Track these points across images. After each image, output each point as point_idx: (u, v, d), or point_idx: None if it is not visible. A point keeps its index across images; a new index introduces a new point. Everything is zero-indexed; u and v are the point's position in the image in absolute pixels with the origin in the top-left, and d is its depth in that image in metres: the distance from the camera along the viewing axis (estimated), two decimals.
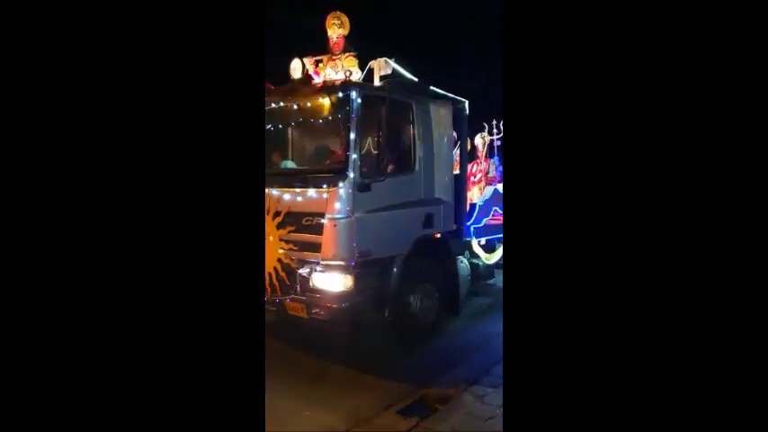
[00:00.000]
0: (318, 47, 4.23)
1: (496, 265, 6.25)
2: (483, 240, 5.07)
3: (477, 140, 6.85)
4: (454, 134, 4.78)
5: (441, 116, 4.40)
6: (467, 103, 4.70)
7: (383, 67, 4.68)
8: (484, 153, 6.78)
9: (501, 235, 5.59)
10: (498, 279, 5.56)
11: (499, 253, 5.43)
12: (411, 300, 4.03)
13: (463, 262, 4.86)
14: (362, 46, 4.24)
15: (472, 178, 6.63)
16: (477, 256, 5.03)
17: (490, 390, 3.06)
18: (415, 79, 4.28)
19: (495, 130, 7.58)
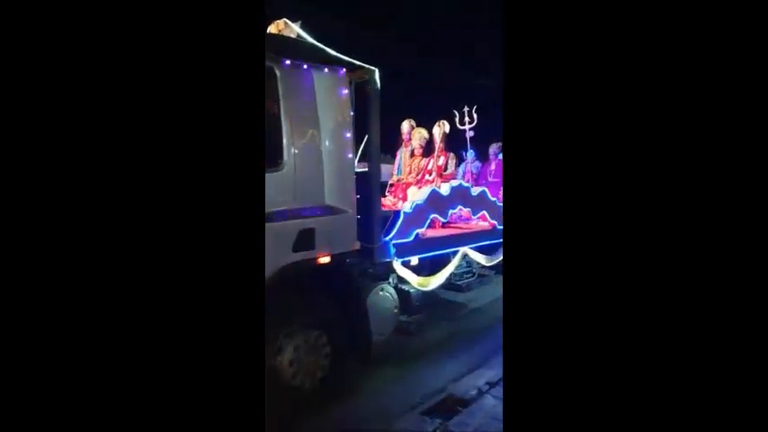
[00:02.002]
0: None
1: (465, 284, 5.04)
2: (415, 260, 3.77)
3: (435, 130, 5.54)
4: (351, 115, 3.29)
5: (329, 89, 3.10)
6: (377, 72, 3.37)
7: (283, 30, 3.44)
8: (441, 146, 5.46)
9: (450, 250, 4.28)
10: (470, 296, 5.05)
11: (443, 275, 4.11)
12: (279, 358, 2.77)
13: (385, 290, 3.58)
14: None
15: (427, 176, 5.36)
16: (405, 282, 3.72)
17: None
18: (323, 47, 3.05)
19: (467, 119, 6.38)
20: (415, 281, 3.71)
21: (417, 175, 5.48)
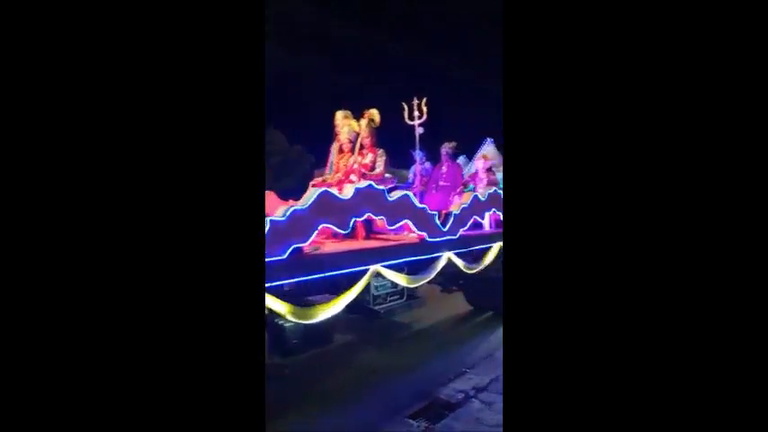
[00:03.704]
0: None
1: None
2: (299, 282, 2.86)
3: (362, 122, 4.66)
4: None
5: None
6: None
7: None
8: (368, 141, 4.58)
9: (348, 270, 3.35)
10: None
11: (338, 303, 3.18)
12: None
13: None
14: None
15: (352, 177, 4.47)
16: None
17: (498, 397, 3.09)
18: None
19: (416, 113, 5.53)
20: (285, 311, 2.78)
21: (345, 175, 4.60)
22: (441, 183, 5.87)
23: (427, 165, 6.21)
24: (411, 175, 6.34)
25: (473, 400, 3.13)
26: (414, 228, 3.89)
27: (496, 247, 5.00)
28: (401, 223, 3.79)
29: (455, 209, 4.50)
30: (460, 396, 3.17)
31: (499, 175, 6.66)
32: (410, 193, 3.90)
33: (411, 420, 2.88)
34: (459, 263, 4.46)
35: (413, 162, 6.01)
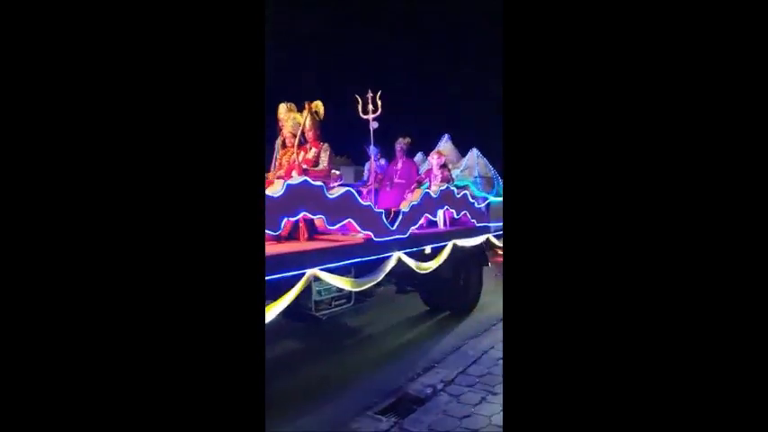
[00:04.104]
0: None
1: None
2: None
3: (282, 113, 4.38)
4: None
5: None
6: None
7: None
8: (311, 135, 4.30)
9: (283, 275, 3.07)
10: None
11: (272, 309, 2.89)
12: None
13: None
14: None
15: (295, 173, 4.18)
16: None
17: (466, 389, 3.16)
18: None
19: (370, 107, 5.30)
20: None
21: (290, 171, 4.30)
22: (395, 180, 5.65)
23: (382, 161, 5.97)
24: (366, 172, 6.10)
25: (441, 393, 3.15)
26: (357, 227, 3.65)
27: (450, 245, 4.82)
28: (342, 223, 3.53)
29: (404, 207, 4.28)
30: (429, 391, 3.19)
31: (456, 172, 6.50)
32: (353, 190, 3.65)
33: (380, 416, 2.87)
34: (411, 263, 4.25)
35: (367, 158, 5.78)
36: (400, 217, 4.12)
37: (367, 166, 5.97)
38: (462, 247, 5.08)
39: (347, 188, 3.63)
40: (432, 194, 4.65)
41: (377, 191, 5.66)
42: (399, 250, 4.09)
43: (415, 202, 4.35)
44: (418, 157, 6.91)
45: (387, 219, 4.07)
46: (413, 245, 4.28)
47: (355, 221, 3.58)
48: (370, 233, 3.77)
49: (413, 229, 4.30)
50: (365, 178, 6.01)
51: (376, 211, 3.84)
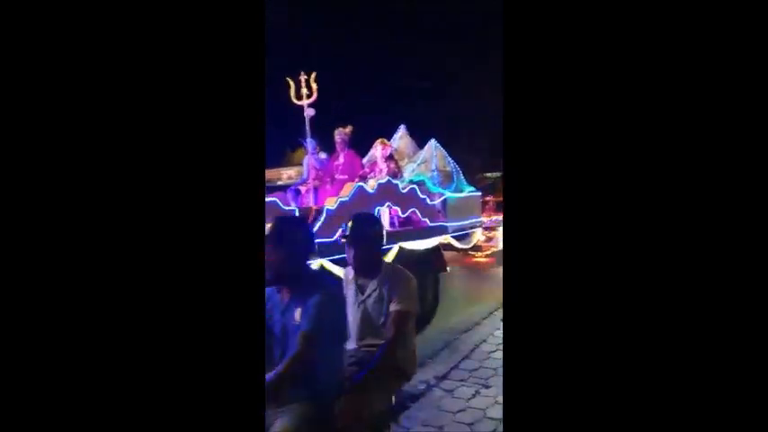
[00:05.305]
0: None
1: None
2: None
3: None
4: None
5: None
6: None
7: None
8: None
9: None
10: None
11: None
12: None
13: None
14: None
15: None
16: None
17: (459, 384, 3.18)
18: None
19: (304, 91, 4.70)
20: None
21: None
22: (337, 176, 4.92)
23: (322, 155, 5.25)
24: (305, 170, 5.37)
25: (434, 388, 3.15)
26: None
27: (395, 249, 4.10)
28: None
29: (330, 205, 3.56)
30: (422, 386, 3.17)
31: (412, 166, 5.80)
32: None
33: None
34: (337, 270, 3.52)
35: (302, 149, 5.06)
36: (323, 217, 3.39)
37: (305, 161, 5.25)
38: (411, 251, 4.37)
39: None
40: (367, 189, 3.93)
41: (316, 189, 4.94)
42: (323, 257, 3.37)
43: (345, 199, 3.63)
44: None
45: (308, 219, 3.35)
46: (341, 251, 3.55)
47: None
48: None
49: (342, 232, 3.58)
50: (304, 176, 5.29)
51: (285, 208, 3.12)
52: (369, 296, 2.01)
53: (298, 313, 1.63)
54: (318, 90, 4.70)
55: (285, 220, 2.08)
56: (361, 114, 6.94)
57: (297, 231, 1.72)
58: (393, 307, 1.90)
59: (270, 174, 6.96)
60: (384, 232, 1.94)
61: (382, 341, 1.88)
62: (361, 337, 2.02)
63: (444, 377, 3.32)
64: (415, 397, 3.05)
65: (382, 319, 1.96)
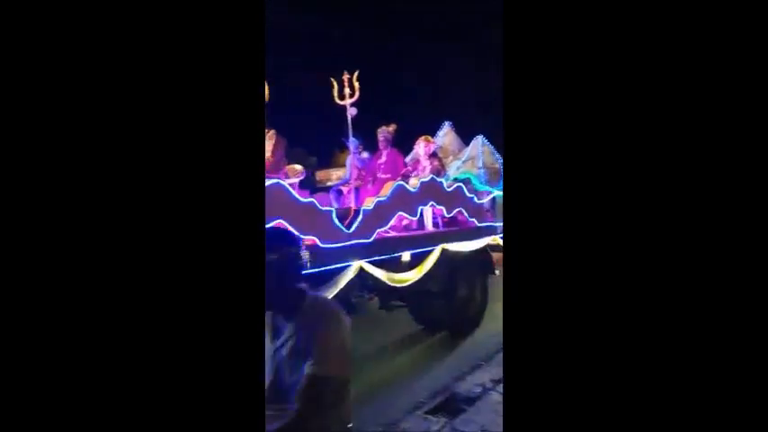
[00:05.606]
0: None
1: None
2: None
3: None
4: None
5: None
6: None
7: None
8: None
9: None
10: None
11: None
12: None
13: None
14: None
15: None
16: None
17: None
18: None
19: (347, 91, 4.61)
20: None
21: None
22: (379, 174, 4.79)
23: (365, 155, 5.14)
24: (347, 170, 5.28)
25: (491, 392, 3.08)
26: (293, 230, 2.82)
27: (438, 250, 3.90)
28: (272, 224, 2.72)
29: (368, 204, 3.42)
30: (478, 389, 3.12)
31: (457, 164, 5.56)
32: (283, 183, 2.84)
33: (430, 416, 2.83)
34: (379, 273, 3.37)
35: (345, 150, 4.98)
36: (360, 217, 3.26)
37: (348, 161, 5.15)
38: (457, 253, 4.15)
39: (275, 180, 2.81)
40: (409, 188, 3.75)
41: (357, 189, 4.83)
42: (361, 258, 3.23)
43: (384, 198, 3.48)
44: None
45: (344, 220, 3.23)
46: (380, 251, 3.40)
47: (287, 222, 2.75)
48: (314, 238, 2.94)
49: (381, 230, 3.43)
50: (347, 176, 5.20)
51: (321, 209, 3.01)
52: (283, 345, 1.39)
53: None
54: (361, 89, 4.60)
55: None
56: (405, 113, 6.75)
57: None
58: (307, 369, 1.30)
59: (320, 175, 6.95)
60: (305, 255, 1.44)
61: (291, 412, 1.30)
62: (269, 399, 1.34)
63: (501, 380, 3.17)
64: (471, 400, 2.96)
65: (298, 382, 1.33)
